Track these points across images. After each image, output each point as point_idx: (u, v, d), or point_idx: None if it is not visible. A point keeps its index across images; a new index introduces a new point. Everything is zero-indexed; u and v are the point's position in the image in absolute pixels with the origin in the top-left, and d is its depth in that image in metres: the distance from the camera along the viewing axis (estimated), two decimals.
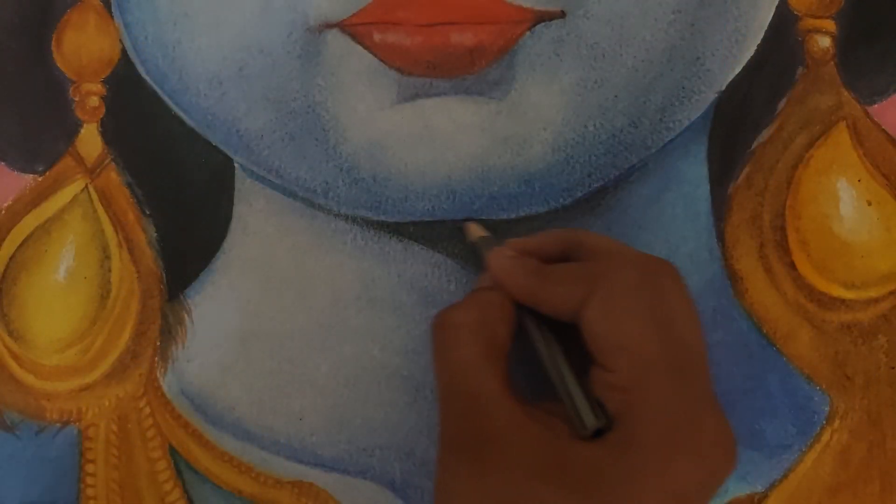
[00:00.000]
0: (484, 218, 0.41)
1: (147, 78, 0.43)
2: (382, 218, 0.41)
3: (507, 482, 0.33)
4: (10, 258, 0.43)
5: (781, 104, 0.42)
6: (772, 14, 0.42)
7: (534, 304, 0.36)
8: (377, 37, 0.39)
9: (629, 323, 0.34)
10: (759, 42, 0.42)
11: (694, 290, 0.41)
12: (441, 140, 0.39)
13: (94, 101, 0.44)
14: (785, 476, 0.40)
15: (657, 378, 0.33)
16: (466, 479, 0.33)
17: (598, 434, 0.34)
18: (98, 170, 0.43)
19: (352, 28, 0.39)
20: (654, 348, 0.34)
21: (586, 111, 0.40)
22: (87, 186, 0.43)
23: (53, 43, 0.44)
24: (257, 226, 0.43)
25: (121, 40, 0.44)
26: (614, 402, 0.34)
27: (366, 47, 0.39)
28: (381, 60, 0.39)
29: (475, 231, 0.40)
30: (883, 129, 0.42)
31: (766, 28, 0.42)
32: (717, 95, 0.41)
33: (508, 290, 0.37)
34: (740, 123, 0.43)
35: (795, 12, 0.43)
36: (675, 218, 0.42)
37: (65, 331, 0.42)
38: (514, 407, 0.34)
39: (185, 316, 0.42)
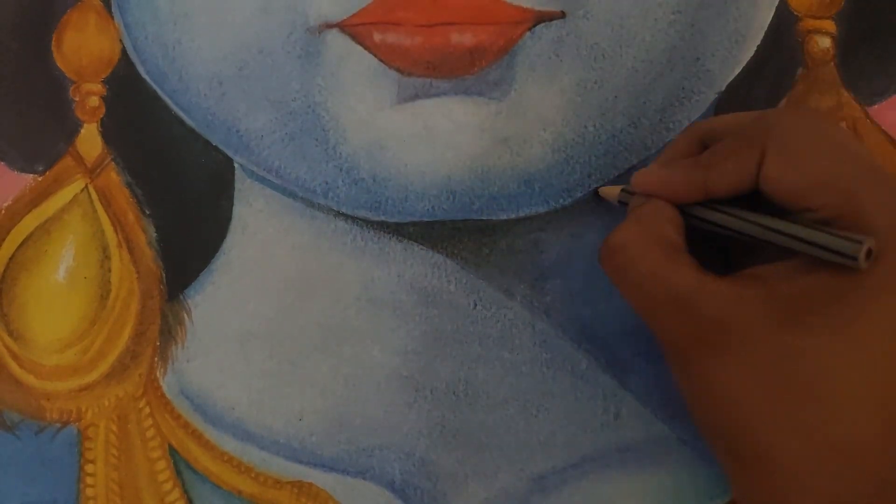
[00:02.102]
0: (484, 218, 0.41)
1: (147, 78, 0.43)
2: (382, 218, 0.41)
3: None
4: (10, 258, 0.43)
5: (781, 105, 0.42)
6: (772, 15, 0.42)
7: (705, 192, 0.35)
8: (377, 37, 0.39)
9: (815, 157, 0.33)
10: (759, 43, 0.42)
11: None
12: (441, 140, 0.39)
13: (94, 101, 0.44)
14: None
15: (867, 188, 0.32)
16: (719, 370, 0.32)
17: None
18: (98, 170, 0.43)
19: (352, 28, 0.39)
20: (848, 168, 0.33)
21: (586, 112, 0.40)
22: (86, 186, 0.43)
23: (53, 43, 0.44)
24: (257, 226, 0.43)
25: (121, 40, 0.44)
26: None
27: (366, 48, 0.39)
28: (381, 61, 0.39)
29: (612, 191, 0.39)
30: (883, 130, 0.42)
31: (766, 29, 0.42)
32: (716, 96, 0.41)
33: (674, 195, 0.35)
34: None
35: (795, 13, 0.43)
36: None
37: (65, 331, 0.42)
38: (722, 286, 0.33)
39: (185, 316, 0.42)
